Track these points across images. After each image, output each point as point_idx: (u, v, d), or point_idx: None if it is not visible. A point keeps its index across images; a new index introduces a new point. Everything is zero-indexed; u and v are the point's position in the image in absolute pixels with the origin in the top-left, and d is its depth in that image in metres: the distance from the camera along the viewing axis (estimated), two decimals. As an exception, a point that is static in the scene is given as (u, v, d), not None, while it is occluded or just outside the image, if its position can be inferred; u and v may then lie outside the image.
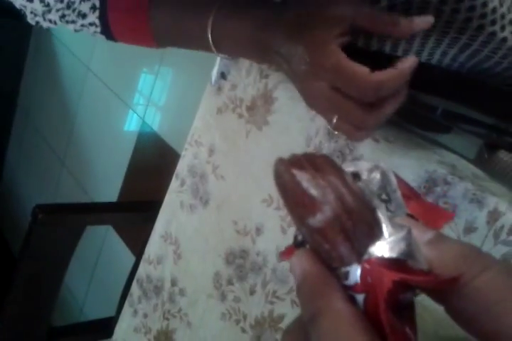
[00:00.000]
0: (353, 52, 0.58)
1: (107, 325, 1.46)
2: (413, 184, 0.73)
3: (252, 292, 0.93)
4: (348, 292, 0.29)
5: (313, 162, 0.33)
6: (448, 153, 0.77)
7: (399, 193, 0.35)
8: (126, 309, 1.17)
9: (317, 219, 0.30)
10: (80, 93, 3.27)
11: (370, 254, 0.30)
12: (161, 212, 1.06)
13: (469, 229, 0.68)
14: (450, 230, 0.70)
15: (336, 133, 0.80)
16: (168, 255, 1.06)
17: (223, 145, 0.95)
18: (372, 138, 0.78)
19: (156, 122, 2.69)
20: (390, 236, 0.30)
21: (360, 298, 0.29)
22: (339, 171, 0.33)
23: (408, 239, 0.30)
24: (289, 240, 0.88)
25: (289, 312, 0.88)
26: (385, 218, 0.31)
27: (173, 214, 1.05)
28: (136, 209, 1.42)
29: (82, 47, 3.22)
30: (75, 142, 3.34)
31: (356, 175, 0.35)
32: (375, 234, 0.31)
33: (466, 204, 0.69)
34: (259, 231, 0.92)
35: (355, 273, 0.29)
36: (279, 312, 0.89)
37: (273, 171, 0.34)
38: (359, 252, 0.30)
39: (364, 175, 0.35)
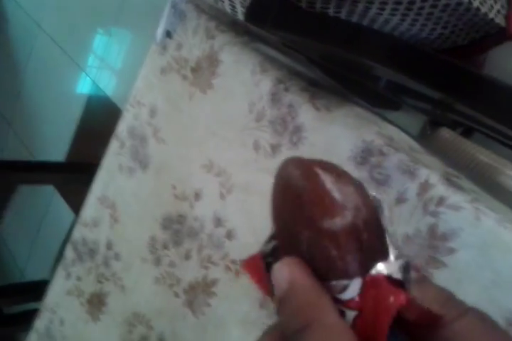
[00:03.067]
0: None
1: (42, 287, 1.44)
2: (349, 154, 0.74)
3: (188, 257, 0.93)
4: (338, 306, 0.28)
5: (334, 168, 0.34)
6: (388, 125, 0.77)
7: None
8: (60, 272, 1.15)
9: (335, 223, 0.29)
10: (29, 51, 3.14)
11: (377, 271, 0.29)
12: (99, 174, 1.04)
13: (400, 199, 0.70)
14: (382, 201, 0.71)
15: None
16: (105, 218, 1.05)
17: (165, 107, 0.93)
18: (313, 107, 0.77)
19: (108, 86, 2.62)
20: (395, 259, 0.31)
21: (350, 314, 0.28)
22: (360, 185, 0.33)
23: (408, 268, 0.30)
24: (227, 207, 0.88)
25: (223, 277, 0.88)
26: (390, 242, 0.31)
27: (111, 176, 1.03)
28: (77, 170, 1.39)
29: (33, 2, 3.08)
30: (23, 102, 3.23)
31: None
32: (384, 253, 0.30)
33: (398, 175, 0.70)
34: (197, 196, 0.91)
35: (355, 287, 0.29)
36: (212, 278, 0.89)
37: (284, 164, 0.34)
38: (366, 266, 0.29)
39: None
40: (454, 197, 0.66)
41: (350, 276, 0.29)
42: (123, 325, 1.03)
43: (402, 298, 0.27)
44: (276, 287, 0.29)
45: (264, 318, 0.82)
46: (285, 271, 0.29)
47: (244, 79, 0.84)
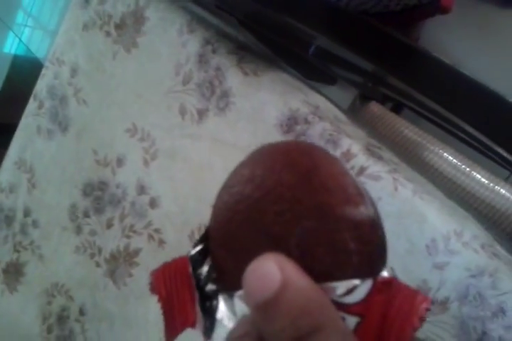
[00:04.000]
0: None
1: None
2: (275, 121, 0.75)
3: (109, 225, 0.93)
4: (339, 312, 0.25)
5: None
6: (315, 93, 0.79)
7: None
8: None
9: (361, 212, 0.27)
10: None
11: (388, 273, 0.27)
12: (16, 136, 1.02)
13: (323, 169, 0.72)
14: (306, 170, 0.73)
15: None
16: (22, 184, 1.03)
17: (87, 65, 0.92)
18: (241, 71, 0.78)
19: (41, 47, 2.52)
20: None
21: (351, 321, 0.26)
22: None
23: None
24: (151, 174, 0.88)
25: (145, 246, 0.89)
26: None
27: (28, 139, 1.01)
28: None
29: None
30: None
31: None
32: (385, 255, 0.29)
33: (322, 145, 0.72)
34: (120, 162, 0.91)
35: (364, 289, 0.26)
36: (135, 247, 0.90)
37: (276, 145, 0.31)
38: (379, 265, 0.28)
39: None
40: (374, 167, 0.69)
41: (363, 276, 0.26)
42: (42, 295, 1.03)
43: (428, 300, 0.26)
44: (258, 287, 0.25)
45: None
46: (273, 268, 0.25)
47: (171, 38, 0.83)
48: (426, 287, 0.66)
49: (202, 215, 0.82)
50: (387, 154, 0.73)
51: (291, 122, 0.74)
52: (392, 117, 1.09)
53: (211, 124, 0.81)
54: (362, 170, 0.69)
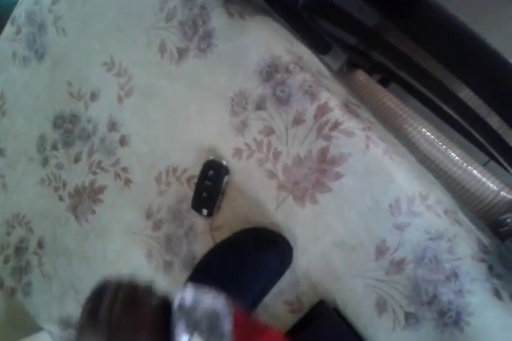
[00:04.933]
0: None
1: None
2: (255, 67, 0.74)
3: (77, 160, 0.92)
4: None
5: None
6: (301, 45, 0.78)
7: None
8: None
9: None
10: None
11: None
12: (-11, 60, 1.00)
13: (298, 120, 0.72)
14: (281, 121, 0.73)
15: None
16: (-8, 110, 1.02)
17: (69, -7, 0.89)
18: (226, 12, 0.76)
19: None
20: None
21: None
22: None
23: None
24: (124, 111, 0.87)
25: (111, 184, 0.89)
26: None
27: (2, 65, 0.98)
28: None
29: None
30: None
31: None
32: None
33: (300, 95, 0.72)
34: (94, 96, 0.90)
35: None
36: (100, 184, 0.90)
37: None
38: None
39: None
40: (349, 123, 0.69)
41: None
42: (1, 225, 1.03)
43: None
44: None
45: (149, 230, 0.85)
46: None
47: (158, -29, 0.81)
48: (384, 247, 0.67)
49: (171, 157, 0.82)
50: (364, 113, 0.73)
51: (271, 69, 0.73)
52: (377, 87, 1.08)
53: (190, 65, 0.80)
54: (336, 125, 0.69)
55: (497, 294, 0.61)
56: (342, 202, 0.70)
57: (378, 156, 0.68)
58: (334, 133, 0.69)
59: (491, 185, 1.01)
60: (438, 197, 0.67)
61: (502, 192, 1.01)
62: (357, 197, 0.69)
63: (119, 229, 0.88)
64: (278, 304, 0.74)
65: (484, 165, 1.11)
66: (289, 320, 0.73)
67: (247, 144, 0.76)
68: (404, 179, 0.67)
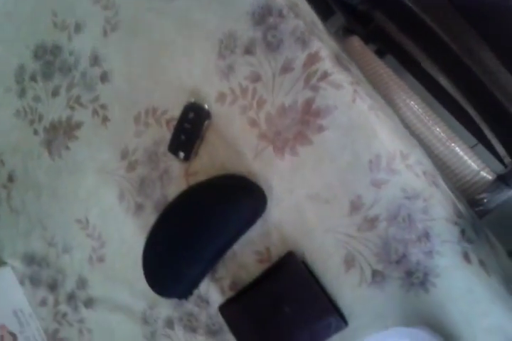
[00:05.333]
0: None
1: None
2: (248, 8, 0.72)
3: (55, 93, 0.90)
4: None
5: None
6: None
7: None
8: None
9: None
10: None
11: None
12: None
13: (286, 68, 0.70)
14: (269, 67, 0.71)
15: None
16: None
17: None
18: None
19: None
20: None
21: None
22: None
23: None
24: (108, 45, 0.84)
25: (88, 121, 0.87)
26: None
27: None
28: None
29: None
30: None
31: None
32: None
33: (291, 42, 0.69)
34: (78, 28, 0.86)
35: None
36: (77, 120, 0.88)
37: None
38: None
39: None
40: (338, 75, 0.67)
41: None
42: (-26, 156, 1.01)
43: None
44: None
45: (123, 170, 0.83)
46: None
47: None
48: (359, 203, 0.66)
49: (152, 97, 0.80)
50: (355, 70, 0.71)
51: (264, 12, 0.71)
52: (371, 55, 1.05)
53: (182, 1, 0.77)
54: (325, 76, 0.67)
55: (466, 257, 0.61)
56: (322, 155, 0.68)
57: (364, 111, 0.66)
58: (322, 84, 0.67)
59: (472, 164, 1.01)
60: (418, 158, 0.66)
61: (482, 172, 1.01)
62: (338, 151, 0.67)
63: (93, 168, 0.87)
64: (247, 253, 0.74)
65: (472, 147, 1.12)
66: (256, 269, 0.73)
67: (231, 89, 0.74)
68: (387, 136, 0.66)
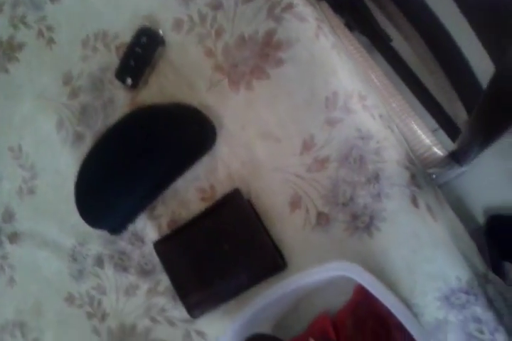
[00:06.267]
0: None
1: None
2: None
3: (-2, 10, 0.83)
4: None
5: None
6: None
7: None
8: None
9: None
10: None
11: None
12: None
13: (250, -4, 0.67)
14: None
15: None
16: None
17: None
18: None
19: None
20: None
21: None
22: None
23: None
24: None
25: (32, 42, 0.83)
26: None
27: None
28: None
29: None
30: None
31: None
32: None
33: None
34: None
35: None
36: (20, 40, 0.84)
37: None
38: None
39: None
40: (303, 8, 0.66)
41: None
42: None
43: None
44: None
45: (65, 97, 0.79)
46: None
47: None
48: (311, 142, 0.65)
49: (104, 20, 0.76)
50: (320, 13, 0.68)
51: None
52: (339, 25, 1.03)
53: None
54: (290, 6, 0.65)
55: (414, 201, 0.61)
56: (278, 91, 0.66)
57: (326, 48, 0.65)
58: (286, 15, 0.65)
59: (426, 139, 1.01)
60: (375, 101, 0.65)
61: (434, 148, 1.02)
62: (295, 87, 0.65)
63: (31, 93, 0.81)
64: (190, 190, 0.71)
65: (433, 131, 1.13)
66: (198, 207, 0.70)
67: (189, 16, 0.70)
68: (346, 76, 0.64)
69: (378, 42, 1.15)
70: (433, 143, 1.00)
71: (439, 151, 1.19)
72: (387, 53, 1.14)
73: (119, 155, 0.66)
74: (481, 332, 0.58)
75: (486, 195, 1.25)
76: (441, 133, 1.11)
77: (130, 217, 0.70)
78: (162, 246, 0.69)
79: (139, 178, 0.65)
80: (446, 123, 1.28)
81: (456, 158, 1.17)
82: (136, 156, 0.64)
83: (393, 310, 0.49)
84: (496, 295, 0.60)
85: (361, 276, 0.52)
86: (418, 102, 1.15)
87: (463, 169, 1.18)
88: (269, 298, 0.57)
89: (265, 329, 0.62)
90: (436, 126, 1.15)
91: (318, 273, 0.55)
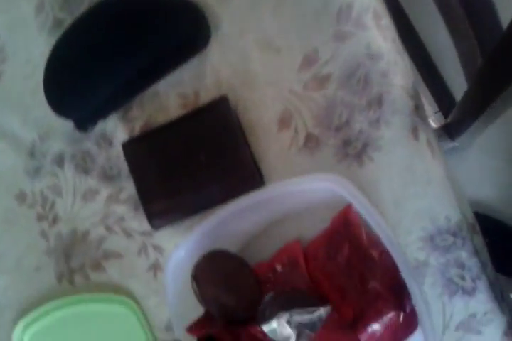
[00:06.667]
0: None
1: None
2: None
3: None
4: None
5: None
6: None
7: None
8: None
9: None
10: None
11: None
12: None
13: None
14: None
15: None
16: None
17: None
18: None
19: None
20: None
21: None
22: None
23: None
24: None
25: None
26: None
27: None
28: None
29: None
30: None
31: None
32: None
33: None
34: None
35: None
36: None
37: None
38: None
39: None
40: None
41: None
42: None
43: None
44: None
45: None
46: None
47: None
48: (314, 57, 0.60)
49: None
50: None
51: None
52: None
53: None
54: None
55: (415, 133, 0.57)
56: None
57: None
58: None
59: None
60: (390, 25, 0.60)
61: (429, 119, 1.01)
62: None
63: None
64: (171, 95, 0.65)
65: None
66: (176, 114, 0.65)
67: None
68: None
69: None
70: (428, 114, 0.98)
71: (432, 123, 1.17)
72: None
73: (99, 36, 0.59)
74: (463, 278, 0.55)
75: (467, 191, 1.26)
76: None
77: (101, 109, 0.64)
78: (132, 147, 0.63)
79: (119, 63, 0.58)
80: (439, 94, 1.25)
81: (449, 130, 1.15)
82: (119, 40, 0.57)
83: (379, 232, 0.45)
84: (481, 248, 0.57)
85: (349, 190, 0.47)
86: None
87: (454, 143, 1.16)
88: (235, 208, 0.52)
89: (230, 248, 0.57)
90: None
91: (299, 183, 0.50)
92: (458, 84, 1.15)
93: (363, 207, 0.45)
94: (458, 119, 1.07)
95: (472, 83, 0.90)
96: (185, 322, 0.55)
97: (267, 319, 0.49)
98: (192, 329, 0.51)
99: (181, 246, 0.54)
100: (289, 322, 0.49)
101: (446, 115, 1.16)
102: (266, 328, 0.48)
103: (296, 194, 0.53)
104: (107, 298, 0.68)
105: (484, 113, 0.85)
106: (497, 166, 1.25)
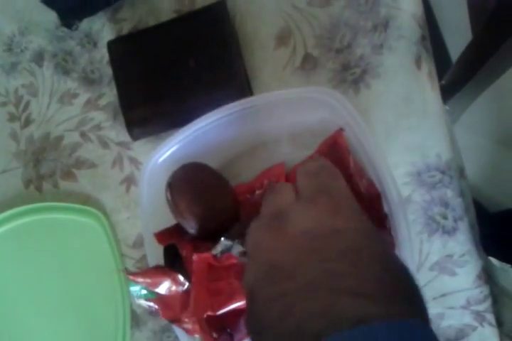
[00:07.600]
0: None
1: None
2: None
3: None
4: None
5: None
6: None
7: None
8: None
9: None
10: None
11: None
12: None
13: None
14: None
15: None
16: None
17: None
18: None
19: None
20: None
21: None
22: None
23: None
24: None
25: None
26: None
27: None
28: None
29: None
30: None
31: None
32: None
33: None
34: None
35: None
36: None
37: None
38: None
39: None
40: None
41: None
42: None
43: None
44: None
45: None
46: None
47: None
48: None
49: None
50: None
51: None
52: None
53: None
54: None
55: (418, 62, 0.54)
56: None
57: None
58: None
59: None
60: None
61: None
62: None
63: None
64: (165, -2, 0.61)
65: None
66: (168, 18, 0.60)
67: None
68: None
69: None
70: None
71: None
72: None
73: None
74: (445, 217, 0.54)
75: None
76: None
77: (90, 3, 0.59)
78: (117, 46, 0.59)
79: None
80: (437, 55, 1.21)
81: (442, 93, 1.12)
82: None
83: (370, 152, 0.43)
84: (467, 192, 0.56)
85: (344, 105, 0.44)
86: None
87: (446, 107, 1.13)
88: (218, 116, 0.49)
89: (210, 164, 0.55)
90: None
91: (288, 94, 0.47)
92: (456, 46, 1.13)
93: (356, 124, 0.43)
94: (452, 81, 1.05)
95: (467, 44, 0.89)
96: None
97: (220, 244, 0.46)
98: (160, 236, 0.49)
99: (157, 153, 0.51)
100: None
101: (441, 77, 1.13)
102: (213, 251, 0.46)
103: (285, 108, 0.50)
104: (75, 207, 0.66)
105: (476, 75, 0.85)
106: (485, 146, 1.24)
